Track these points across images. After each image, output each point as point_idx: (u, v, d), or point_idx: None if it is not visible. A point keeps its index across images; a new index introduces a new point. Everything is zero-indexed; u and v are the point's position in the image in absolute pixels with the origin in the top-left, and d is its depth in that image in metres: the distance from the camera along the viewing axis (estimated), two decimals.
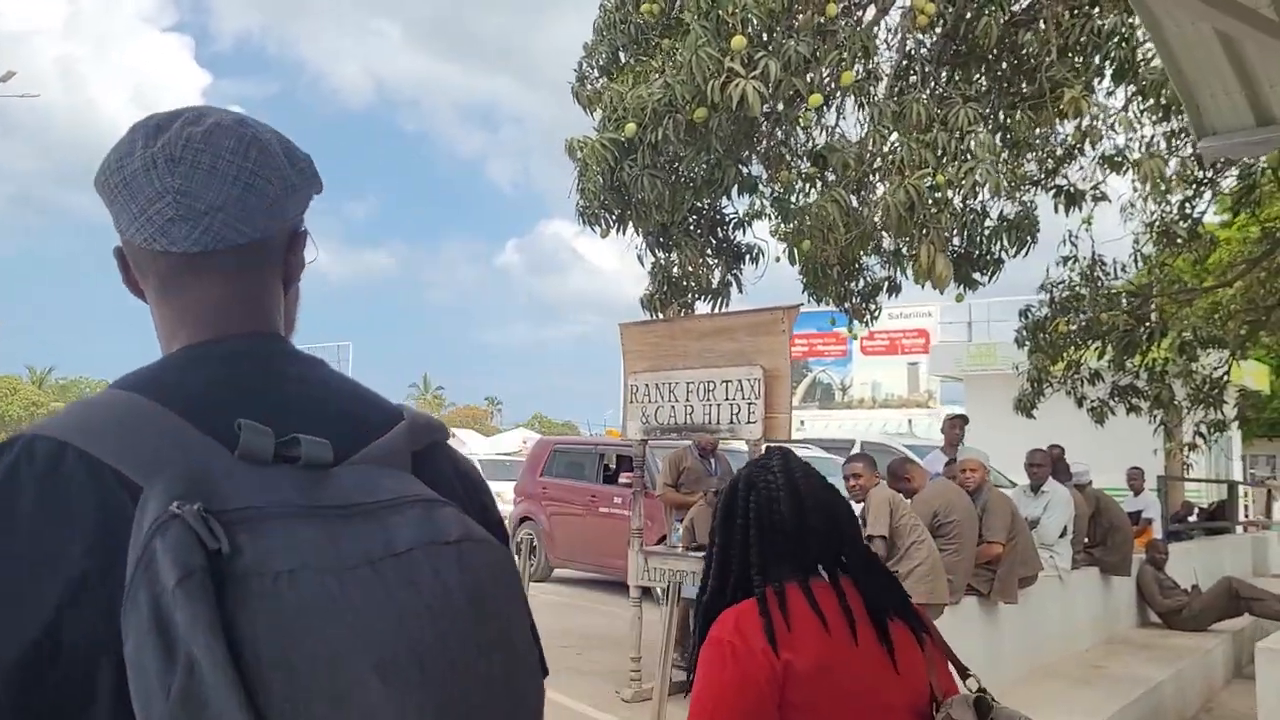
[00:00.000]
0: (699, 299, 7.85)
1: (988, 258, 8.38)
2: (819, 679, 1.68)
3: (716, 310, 7.73)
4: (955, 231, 6.99)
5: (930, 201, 6.29)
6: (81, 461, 0.87)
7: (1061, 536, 7.53)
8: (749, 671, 1.67)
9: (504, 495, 20.01)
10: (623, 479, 10.94)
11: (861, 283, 9.31)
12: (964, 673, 1.93)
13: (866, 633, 1.75)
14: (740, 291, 8.02)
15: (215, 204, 1.00)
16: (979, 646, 6.38)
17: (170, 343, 1.06)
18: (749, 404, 6.21)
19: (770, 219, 8.52)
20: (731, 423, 6.29)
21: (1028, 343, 11.07)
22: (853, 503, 6.33)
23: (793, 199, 7.89)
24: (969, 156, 6.10)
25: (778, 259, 8.49)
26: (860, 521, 5.96)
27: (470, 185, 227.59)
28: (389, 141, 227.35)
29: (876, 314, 9.67)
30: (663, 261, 7.72)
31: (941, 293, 6.90)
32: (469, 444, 48.79)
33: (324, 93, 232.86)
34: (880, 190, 7.50)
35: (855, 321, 9.63)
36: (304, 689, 0.76)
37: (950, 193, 6.37)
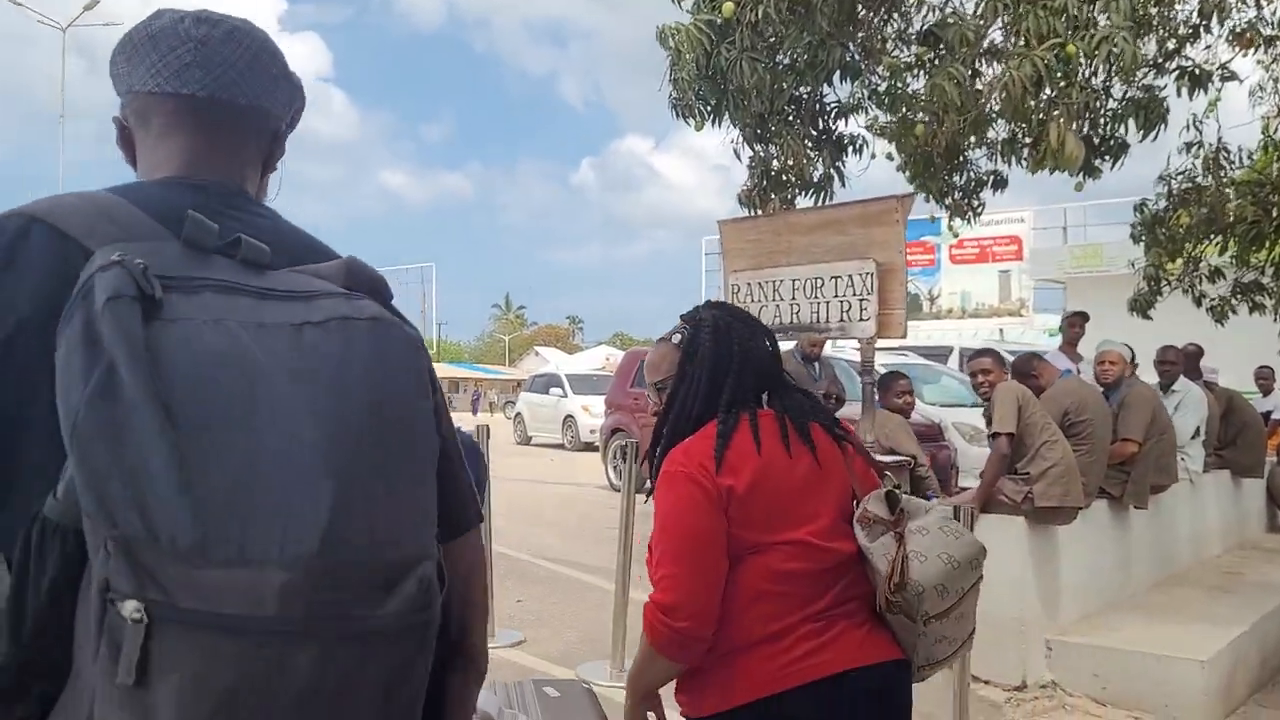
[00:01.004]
0: (800, 194, 7.42)
1: (1110, 143, 7.79)
2: (753, 496, 1.91)
3: (820, 205, 7.30)
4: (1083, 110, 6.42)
5: (1059, 75, 5.77)
6: (46, 232, 1.01)
7: (1194, 438, 7.07)
8: (700, 495, 1.91)
9: (591, 409, 20.12)
10: None
11: (965, 177, 8.78)
12: (881, 473, 2.16)
13: (798, 449, 1.99)
14: (843, 185, 7.57)
15: (228, 60, 1.16)
16: (1108, 551, 6.02)
17: (152, 175, 1.19)
18: (861, 300, 5.84)
19: (867, 113, 8.03)
20: (842, 320, 5.93)
21: (1144, 238, 10.41)
22: (980, 400, 6.08)
23: (899, 84, 7.36)
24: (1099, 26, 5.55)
25: (873, 156, 8.03)
26: (985, 420, 5.64)
27: (543, 104, 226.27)
28: (461, 62, 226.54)
29: (980, 210, 9.13)
30: (761, 155, 7.29)
31: (1072, 174, 6.39)
32: (552, 361, 49.09)
33: (396, 15, 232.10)
34: (989, 74, 6.96)
35: (956, 219, 9.13)
36: (213, 393, 0.86)
37: (1082, 66, 5.83)
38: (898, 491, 2.02)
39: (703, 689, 1.94)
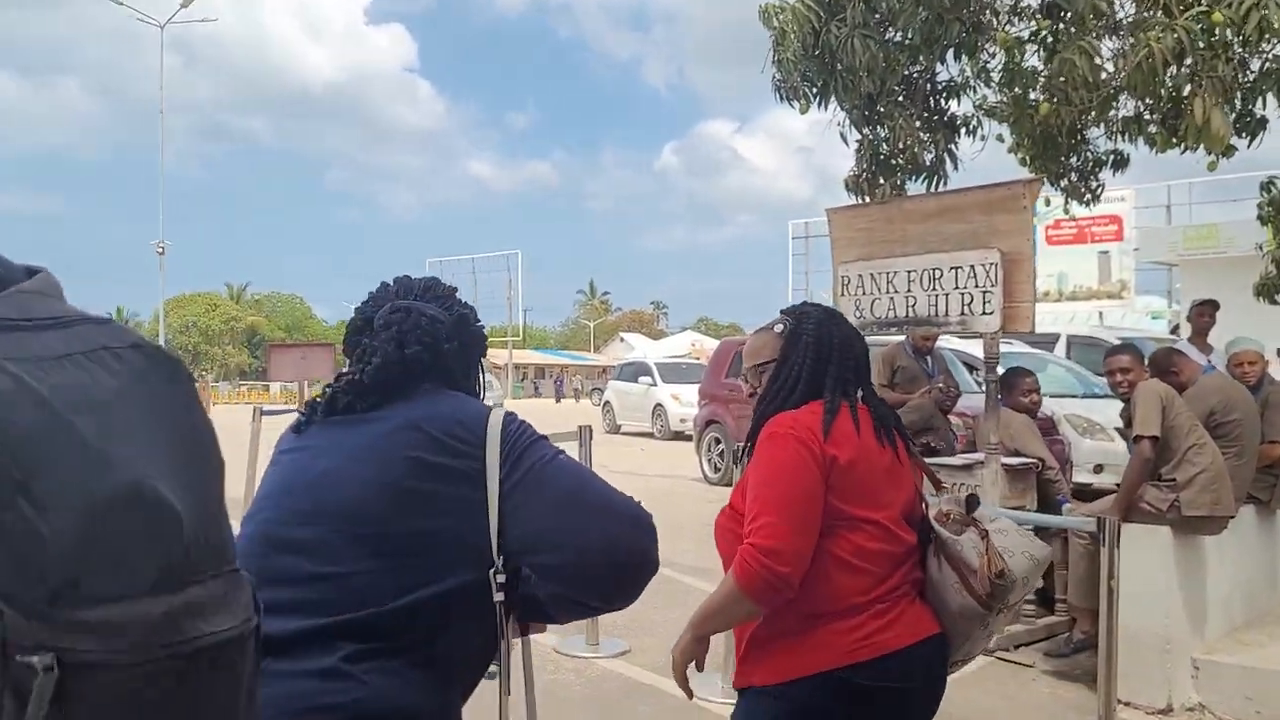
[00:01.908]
0: (910, 178, 7.05)
1: (1247, 119, 7.25)
2: (849, 471, 2.06)
3: (932, 190, 6.93)
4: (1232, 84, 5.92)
5: (1203, 45, 5.32)
6: None
7: None
8: (809, 456, 2.05)
9: (681, 398, 19.89)
10: None
11: (1082, 157, 8.28)
12: (938, 484, 2.39)
13: (885, 443, 2.16)
14: (955, 169, 7.17)
15: None
16: (1257, 562, 5.57)
17: None
18: (984, 292, 5.47)
19: (975, 92, 7.60)
20: (963, 314, 5.57)
21: (1273, 219, 9.76)
22: (1119, 401, 5.65)
23: (1016, 60, 6.93)
24: None
25: (984, 139, 7.60)
26: (1124, 421, 5.24)
27: (626, 89, 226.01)
28: (544, 49, 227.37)
29: (1100, 192, 8.63)
30: (869, 137, 6.94)
31: (1220, 155, 5.92)
32: (638, 347, 48.85)
33: (479, 4, 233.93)
34: (1108, 48, 6.50)
35: (1072, 202, 8.64)
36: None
37: (1230, 35, 5.36)
38: (976, 494, 2.26)
39: (773, 656, 2.07)
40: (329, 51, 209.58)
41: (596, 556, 1.48)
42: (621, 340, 64.92)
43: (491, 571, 1.47)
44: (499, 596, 1.48)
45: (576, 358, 68.77)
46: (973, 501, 2.20)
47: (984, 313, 5.46)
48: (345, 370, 1.64)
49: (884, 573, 2.08)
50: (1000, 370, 5.80)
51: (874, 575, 2.07)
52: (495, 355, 50.59)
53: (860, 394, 2.23)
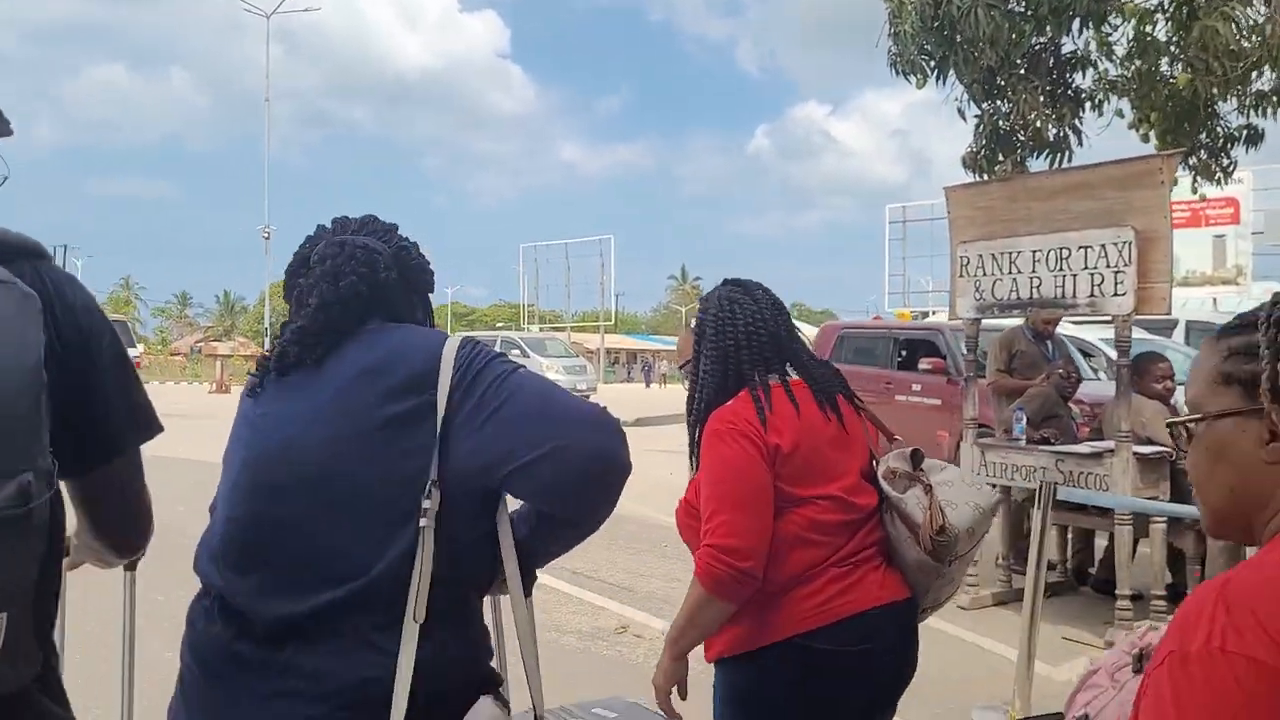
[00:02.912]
0: (1032, 155, 6.76)
1: None
2: (793, 456, 2.08)
3: (1055, 167, 6.64)
4: None
5: None
6: None
7: None
8: (754, 450, 2.06)
9: None
10: (922, 364, 10.04)
11: (1212, 133, 7.87)
12: (891, 436, 2.33)
13: (829, 413, 2.17)
14: (1080, 145, 6.86)
15: None
16: None
17: None
18: (1116, 272, 5.20)
19: (1097, 66, 7.26)
20: (1092, 296, 5.31)
21: None
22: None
23: (1147, 31, 6.60)
24: None
25: (1118, 114, 7.26)
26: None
27: (718, 73, 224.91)
28: (636, 34, 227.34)
29: (1231, 170, 8.19)
30: (989, 112, 6.68)
31: None
32: None
33: None
34: (1245, 17, 6.12)
35: (1201, 181, 8.22)
36: None
37: None
38: (920, 450, 2.25)
39: (738, 627, 2.09)
40: (425, 39, 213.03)
41: (573, 461, 1.43)
42: None
43: (423, 497, 1.39)
44: (423, 521, 1.39)
45: (668, 343, 68.66)
46: (917, 455, 2.23)
47: (1116, 294, 5.20)
48: (288, 320, 1.58)
49: (841, 541, 2.12)
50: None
51: (828, 545, 2.11)
52: (587, 340, 50.80)
53: (792, 367, 2.23)
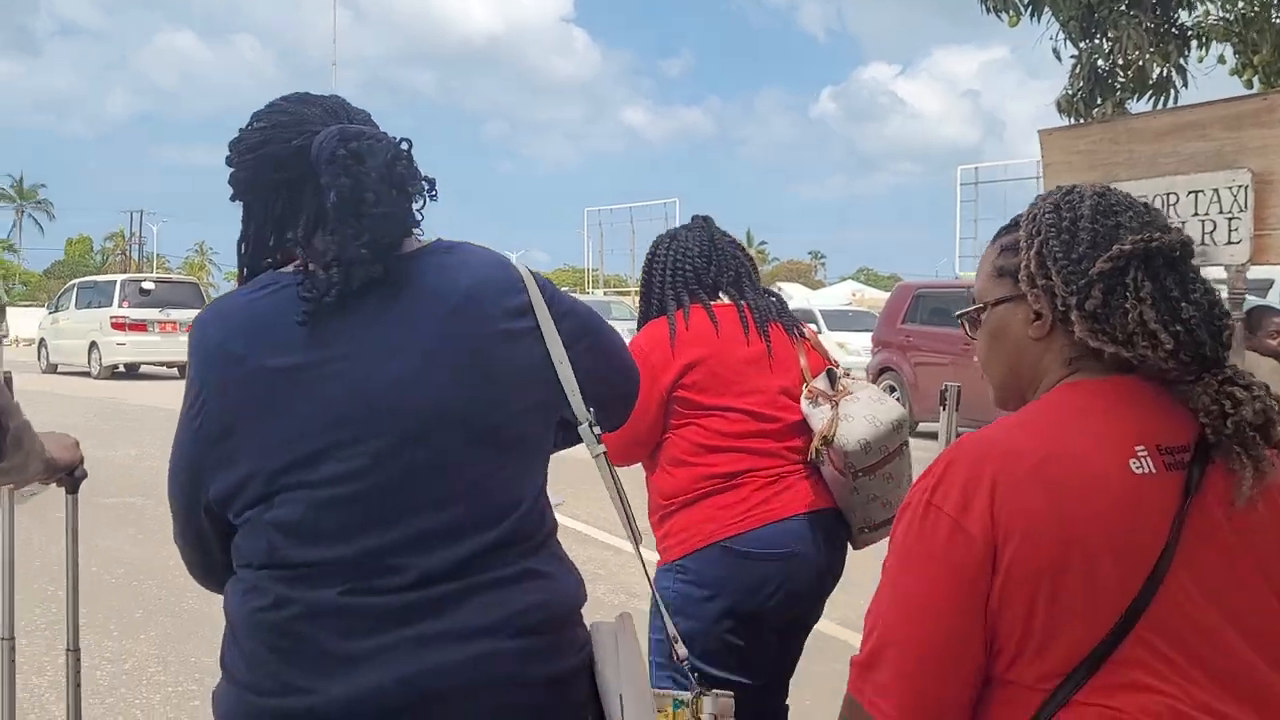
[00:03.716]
0: (1133, 96, 6.35)
1: None
2: (704, 366, 2.29)
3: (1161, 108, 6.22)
4: None
5: None
6: None
7: None
8: (659, 363, 2.28)
9: (848, 345, 19.24)
10: None
11: None
12: (833, 361, 2.50)
13: (754, 337, 2.36)
14: (1185, 86, 6.43)
15: None
16: None
17: None
18: (1230, 218, 4.83)
19: (1195, 7, 6.79)
20: (1203, 243, 4.93)
21: None
22: None
23: None
24: None
25: (1221, 60, 6.79)
26: None
27: (782, 34, 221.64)
28: None
29: None
30: (1087, 51, 6.27)
31: None
32: (796, 297, 48.04)
33: None
34: None
35: None
36: None
37: None
38: (836, 370, 2.42)
39: (674, 533, 2.26)
40: (488, 4, 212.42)
41: (625, 388, 1.55)
42: (779, 290, 63.95)
43: (588, 425, 1.40)
44: (600, 449, 1.42)
45: None
46: (833, 374, 2.38)
47: (1230, 241, 4.83)
48: (333, 228, 1.25)
49: (761, 449, 2.26)
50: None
51: (748, 452, 2.25)
52: None
53: (727, 294, 2.42)
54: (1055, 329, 1.23)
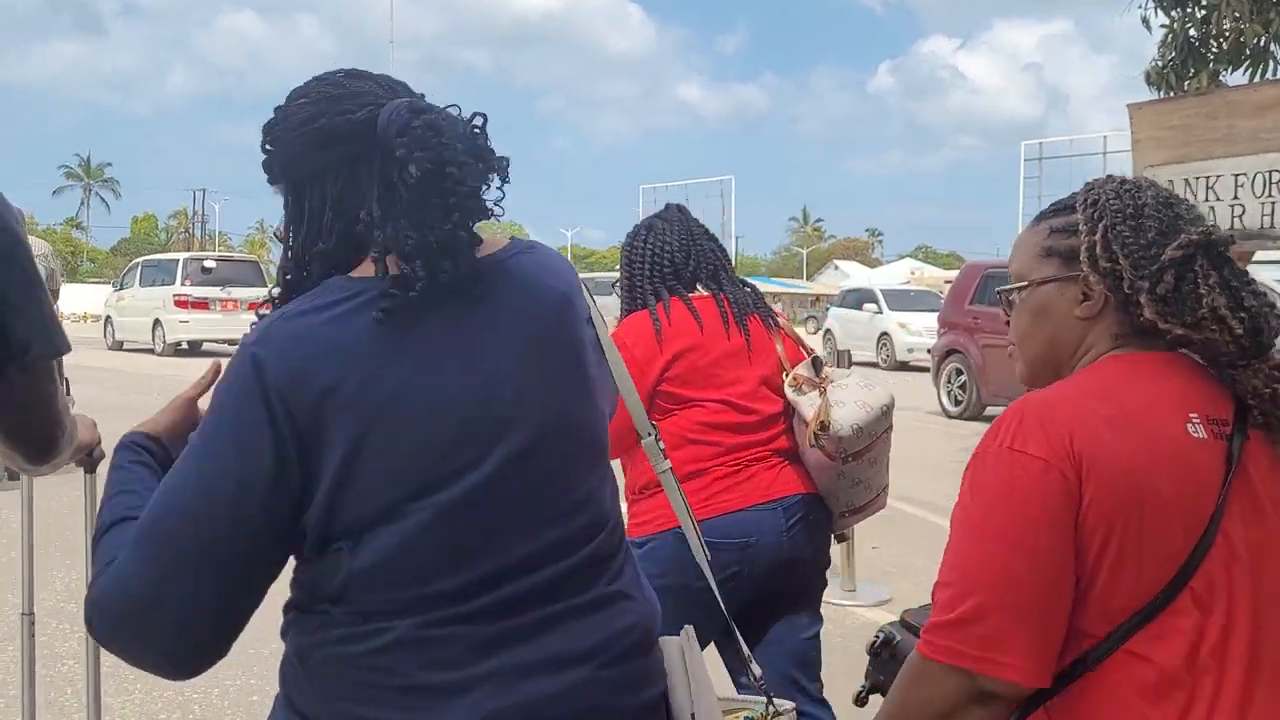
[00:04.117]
0: (1228, 68, 6.00)
1: None
2: (688, 357, 2.34)
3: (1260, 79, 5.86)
4: None
5: None
6: None
7: None
8: (644, 357, 2.32)
9: (910, 326, 18.89)
10: None
11: None
12: (808, 350, 2.54)
13: (734, 330, 2.40)
14: None
15: None
16: None
17: None
18: None
19: None
20: None
21: None
22: None
23: None
24: None
25: None
26: None
27: (839, 8, 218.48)
28: None
29: None
30: (1179, 20, 5.93)
31: None
32: (853, 275, 47.44)
33: None
34: None
35: None
36: None
37: None
38: (819, 357, 2.47)
39: (640, 514, 2.31)
40: None
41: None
42: (836, 268, 63.29)
43: (653, 438, 1.42)
44: (666, 464, 1.44)
45: (788, 285, 67.64)
46: (817, 362, 2.43)
47: None
48: (411, 210, 1.11)
49: (731, 440, 2.30)
50: None
51: (717, 445, 2.29)
52: None
53: (705, 287, 2.45)
54: (1106, 309, 1.28)
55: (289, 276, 1.21)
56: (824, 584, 2.50)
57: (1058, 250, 1.33)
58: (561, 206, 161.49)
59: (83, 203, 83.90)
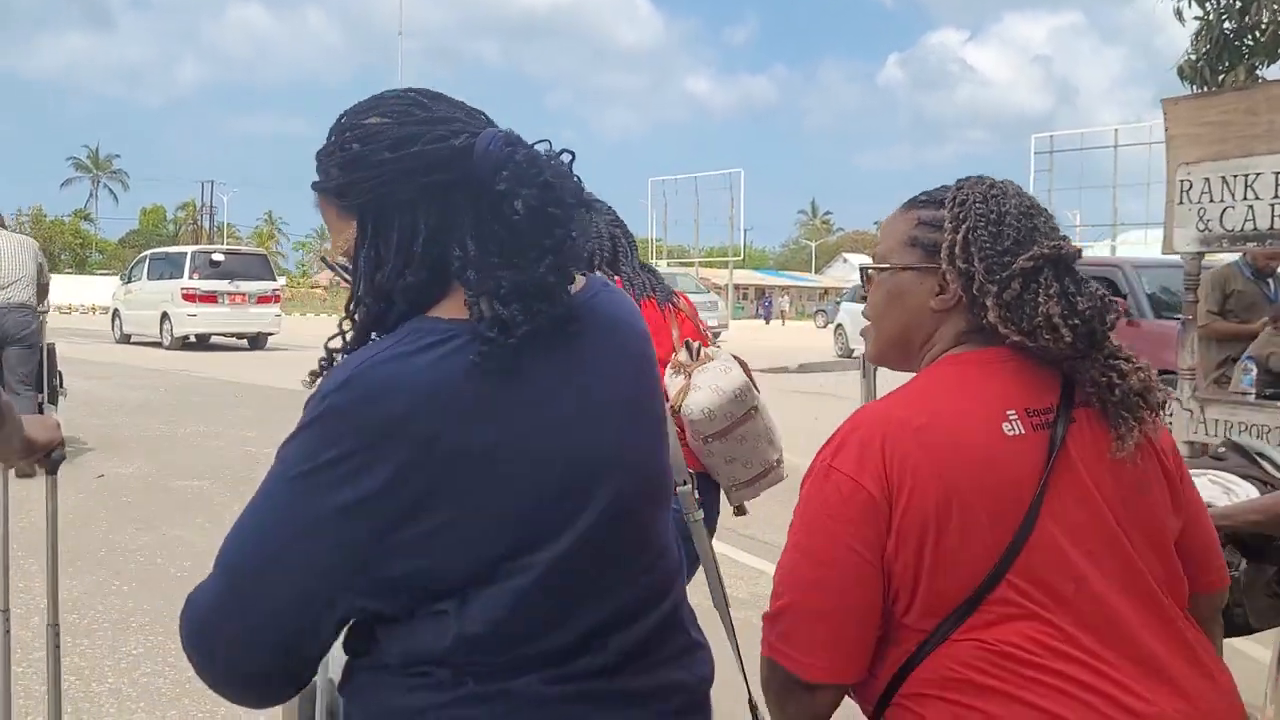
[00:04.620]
0: (1265, 62, 5.83)
1: None
2: None
3: None
4: None
5: None
6: None
7: None
8: None
9: None
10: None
11: None
12: (705, 331, 2.73)
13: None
14: None
15: None
16: None
17: None
18: None
19: None
20: None
21: None
22: None
23: None
24: None
25: None
26: None
27: (848, 1, 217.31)
28: None
29: None
30: (1213, 11, 5.76)
31: None
32: None
33: None
34: None
35: None
36: None
37: None
38: (693, 342, 2.57)
39: None
40: None
41: None
42: (845, 261, 63.10)
43: (691, 485, 1.49)
44: (699, 514, 1.48)
45: (796, 278, 67.42)
46: (689, 345, 2.55)
47: None
48: (510, 250, 1.07)
49: None
50: None
51: None
52: (716, 276, 50.02)
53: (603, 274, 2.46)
54: (958, 305, 1.36)
55: (369, 309, 1.13)
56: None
57: (922, 241, 1.41)
58: None
59: (91, 194, 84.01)
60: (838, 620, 1.25)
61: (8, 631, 2.24)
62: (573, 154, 1.13)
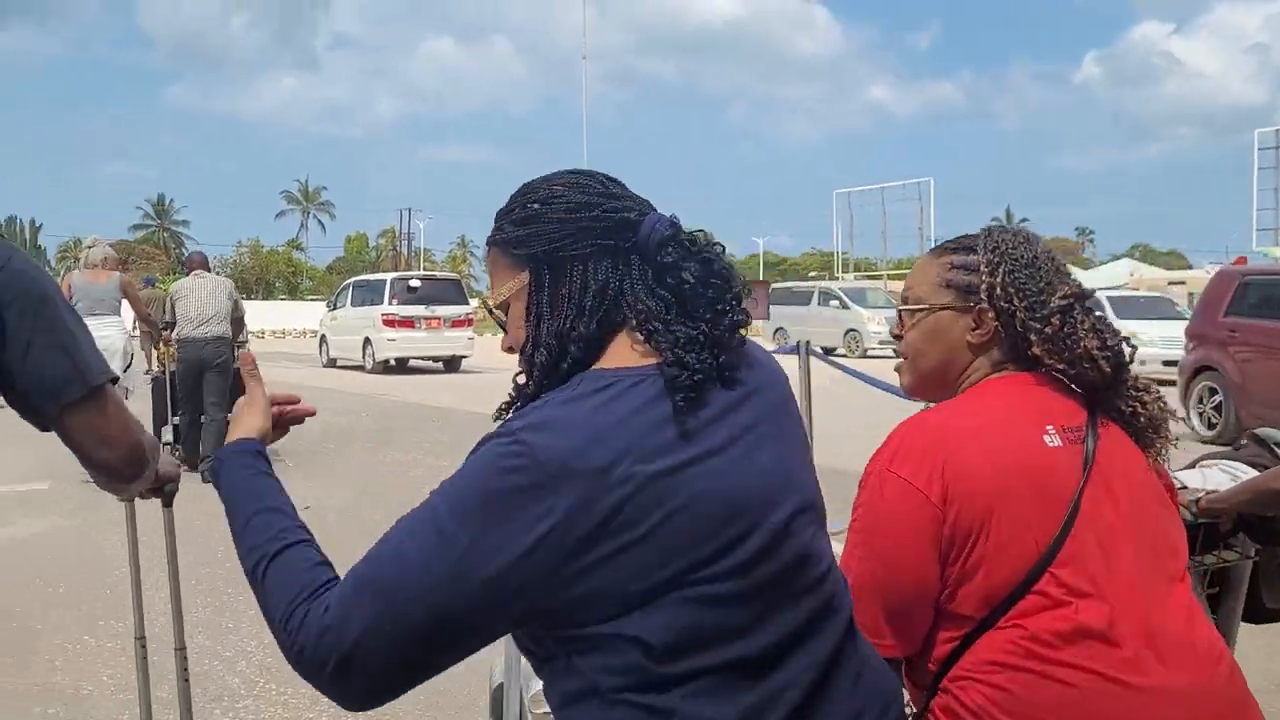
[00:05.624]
0: None
1: None
2: None
3: None
4: None
5: None
6: None
7: None
8: None
9: (1141, 336, 17.34)
10: None
11: None
12: None
13: None
14: None
15: None
16: None
17: None
18: None
19: None
20: None
21: None
22: None
23: None
24: None
25: None
26: None
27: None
28: None
29: None
30: None
31: None
32: None
33: None
34: None
35: None
36: None
37: None
38: None
39: None
40: None
41: None
42: None
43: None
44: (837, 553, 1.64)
45: None
46: None
47: None
48: (718, 312, 1.22)
49: None
50: None
51: None
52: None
53: None
54: (993, 338, 1.57)
55: (546, 355, 1.22)
56: None
57: (956, 284, 1.59)
58: (751, 214, 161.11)
59: (302, 225, 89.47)
60: (905, 610, 1.44)
61: (145, 658, 2.37)
62: (723, 246, 1.28)
